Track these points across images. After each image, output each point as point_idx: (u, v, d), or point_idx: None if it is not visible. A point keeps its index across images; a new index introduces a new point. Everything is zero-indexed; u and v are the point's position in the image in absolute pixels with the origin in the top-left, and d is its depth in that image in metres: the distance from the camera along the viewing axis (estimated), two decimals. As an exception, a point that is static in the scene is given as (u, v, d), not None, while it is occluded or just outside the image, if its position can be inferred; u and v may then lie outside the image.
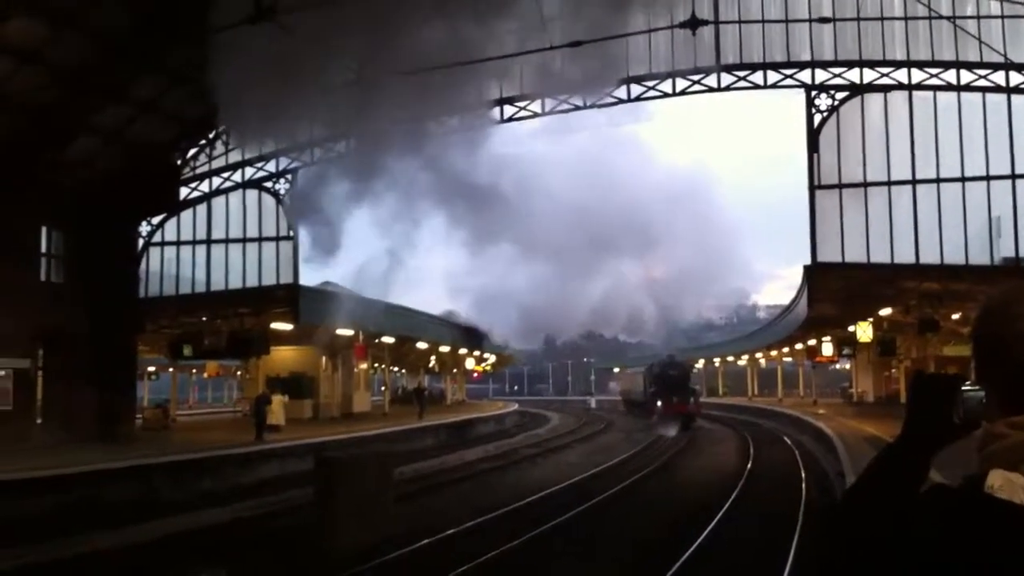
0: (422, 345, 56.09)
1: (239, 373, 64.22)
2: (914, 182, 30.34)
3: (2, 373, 29.36)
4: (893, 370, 57.06)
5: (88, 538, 16.89)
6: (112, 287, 33.01)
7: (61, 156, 29.47)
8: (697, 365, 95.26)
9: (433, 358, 64.40)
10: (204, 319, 37.86)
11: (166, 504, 21.07)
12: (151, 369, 61.93)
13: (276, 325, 37.25)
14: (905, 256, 30.17)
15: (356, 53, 24.31)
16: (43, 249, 32.64)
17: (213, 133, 34.72)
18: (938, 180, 30.20)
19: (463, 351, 66.84)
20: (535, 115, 33.53)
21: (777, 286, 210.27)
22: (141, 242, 36.16)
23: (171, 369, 53.73)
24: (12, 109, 26.44)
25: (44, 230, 32.58)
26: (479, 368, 77.66)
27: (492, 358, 79.98)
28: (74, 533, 17.20)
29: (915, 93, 30.44)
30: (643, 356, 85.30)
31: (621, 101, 32.59)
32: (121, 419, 33.37)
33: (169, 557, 15.66)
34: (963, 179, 30.00)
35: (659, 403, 53.32)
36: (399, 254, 42.31)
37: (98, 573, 14.41)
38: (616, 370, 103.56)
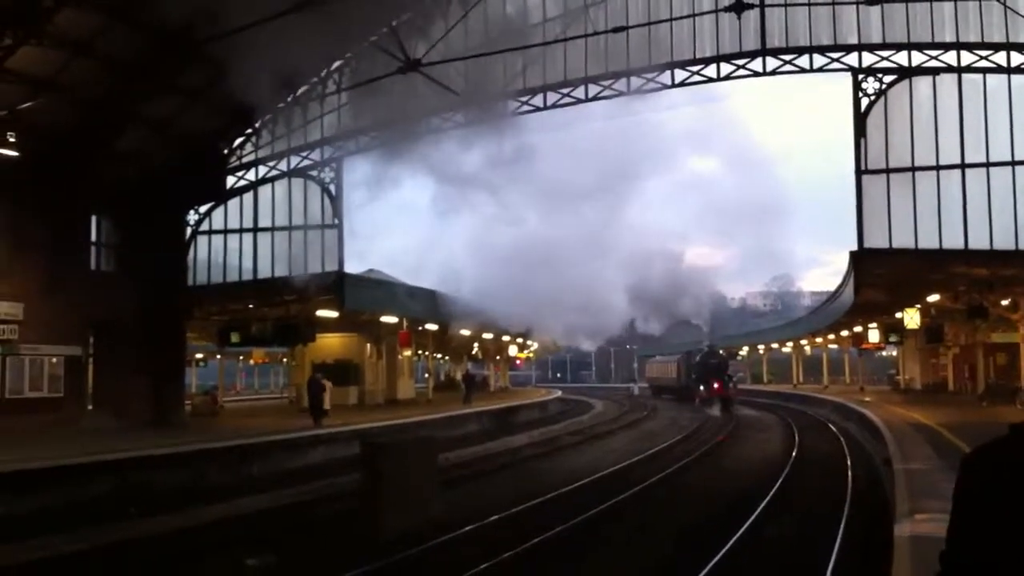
0: (465, 332, 56.28)
1: (285, 360, 64.91)
2: (963, 166, 29.92)
3: (54, 360, 29.97)
4: (941, 357, 56.38)
5: (140, 523, 17.22)
6: (161, 275, 33.51)
7: (111, 147, 29.95)
8: (741, 352, 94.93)
9: (476, 345, 64.60)
10: (251, 306, 38.26)
11: (216, 489, 21.39)
12: (199, 356, 62.69)
13: (321, 312, 37.57)
14: (954, 241, 29.77)
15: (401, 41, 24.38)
16: (93, 238, 33.23)
17: (260, 122, 35.07)
18: (988, 164, 29.75)
19: (506, 338, 66.97)
20: (579, 102, 33.45)
21: (822, 272, 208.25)
22: (189, 230, 36.63)
23: (219, 356, 54.45)
24: (64, 100, 26.85)
25: (94, 219, 33.16)
26: (522, 355, 77.72)
27: (535, 345, 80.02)
28: (126, 518, 17.54)
29: (964, 76, 29.97)
30: (683, 343, 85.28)
31: (665, 87, 32.42)
32: (170, 405, 33.93)
33: (220, 542, 15.90)
34: (1013, 163, 29.53)
35: (702, 387, 60.51)
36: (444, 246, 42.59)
37: (149, 558, 14.68)
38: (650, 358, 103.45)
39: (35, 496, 18.53)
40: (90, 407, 32.38)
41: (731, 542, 14.85)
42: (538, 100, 33.38)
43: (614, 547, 15.58)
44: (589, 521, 17.44)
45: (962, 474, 2.01)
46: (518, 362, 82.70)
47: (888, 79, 30.60)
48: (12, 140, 24.70)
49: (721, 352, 66.51)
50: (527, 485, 22.58)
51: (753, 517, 17.24)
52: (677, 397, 70.74)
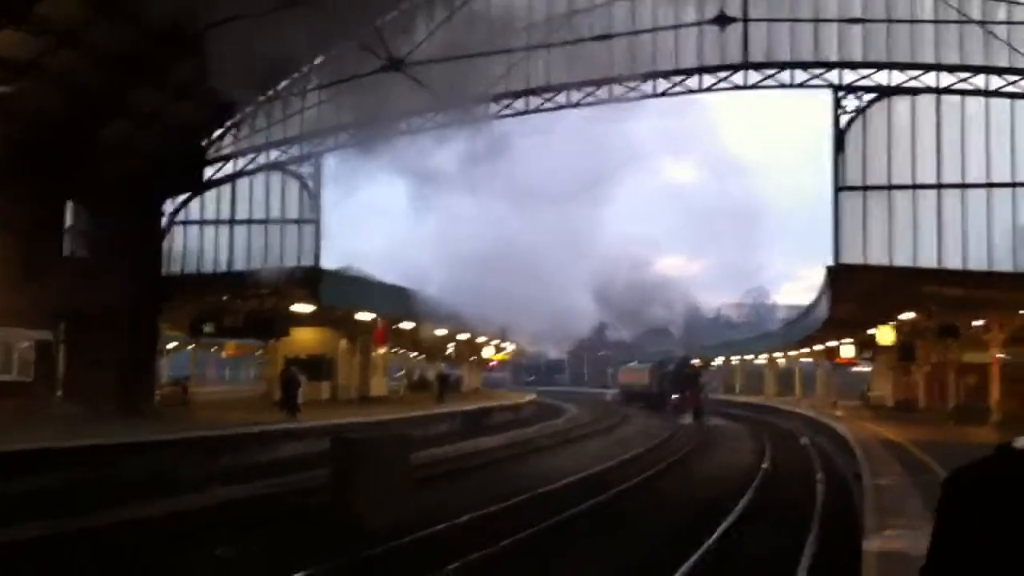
0: (440, 332, 56.25)
1: (258, 353, 64.59)
2: (939, 186, 30.25)
3: (25, 344, 29.70)
4: (912, 375, 56.81)
5: (104, 512, 17.10)
6: (136, 264, 33.29)
7: (90, 135, 29.74)
8: (715, 362, 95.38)
9: (451, 345, 64.58)
10: (225, 299, 38.10)
11: (185, 480, 21.27)
12: (171, 346, 62.30)
13: (296, 307, 37.45)
14: (928, 260, 30.09)
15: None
16: (68, 224, 32.97)
17: (240, 115, 34.95)
18: (963, 185, 30.10)
19: (481, 339, 66.99)
20: (560, 107, 33.54)
21: (797, 287, 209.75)
22: (165, 220, 36.43)
23: (191, 347, 54.12)
24: (44, 87, 26.66)
25: (70, 205, 32.91)
26: (497, 357, 77.76)
27: (510, 347, 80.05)
28: (91, 507, 17.41)
29: (943, 97, 30.31)
30: (658, 351, 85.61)
31: (647, 96, 32.57)
32: (140, 394, 33.69)
33: (186, 532, 15.83)
34: (989, 185, 29.88)
35: (674, 396, 61.48)
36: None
37: (116, 546, 14.57)
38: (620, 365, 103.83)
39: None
40: (59, 393, 32.13)
41: (701, 549, 14.92)
42: (520, 104, 33.44)
43: (584, 551, 15.61)
44: (561, 524, 17.46)
45: (945, 494, 2.02)
46: (492, 364, 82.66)
47: (868, 97, 30.90)
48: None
49: (695, 362, 67.57)
50: (500, 486, 22.57)
51: (723, 527, 17.32)
52: (648, 405, 71.00)
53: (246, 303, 37.32)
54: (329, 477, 18.41)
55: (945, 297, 34.01)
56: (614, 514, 19.60)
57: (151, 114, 31.33)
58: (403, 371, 65.00)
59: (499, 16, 32.10)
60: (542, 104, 33.47)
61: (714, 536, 15.94)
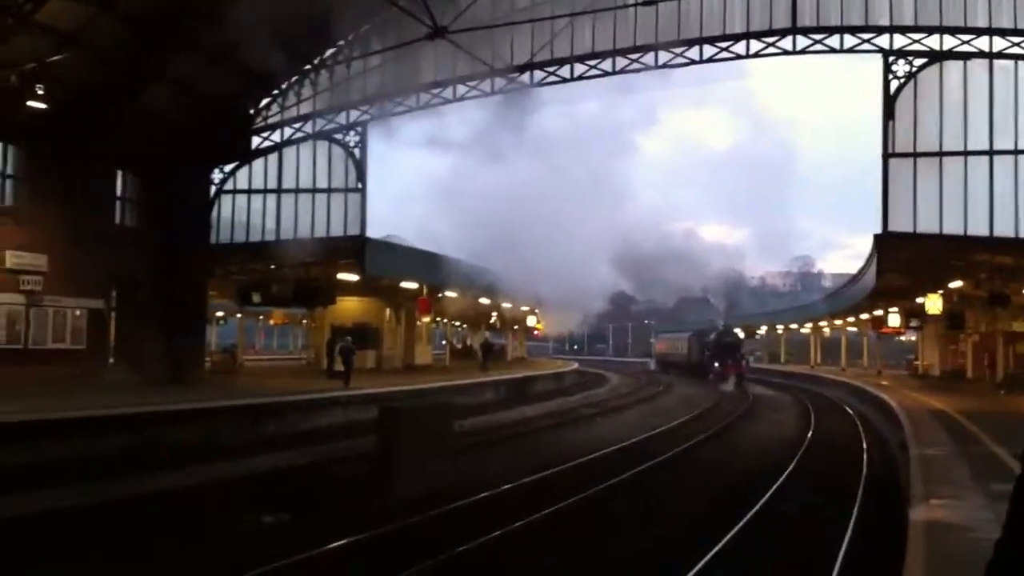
0: (484, 301, 56.38)
1: (304, 322, 65.23)
2: (992, 153, 29.68)
3: (77, 313, 30.21)
4: (960, 344, 56.14)
5: (158, 477, 17.48)
6: (184, 232, 33.68)
7: (137, 103, 30.03)
8: (759, 331, 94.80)
9: (495, 314, 64.72)
10: (272, 267, 38.45)
11: (235, 446, 21.64)
12: (219, 314, 63.09)
13: (342, 276, 37.72)
14: (979, 228, 29.59)
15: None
16: (118, 194, 33.42)
17: (286, 84, 35.12)
18: (1016, 151, 29.51)
19: (525, 308, 67.05)
20: (605, 74, 33.28)
21: (843, 254, 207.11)
22: (213, 189, 36.77)
23: (239, 315, 54.76)
24: (91, 55, 26.93)
25: (119, 175, 33.34)
26: (540, 326, 77.79)
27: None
28: (145, 472, 17.80)
29: (996, 61, 29.68)
30: (698, 320, 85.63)
31: (693, 62, 32.21)
32: (190, 362, 34.18)
33: (237, 499, 16.12)
34: (1042, 151, 29.29)
35: (716, 364, 63.04)
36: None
37: (169, 512, 14.89)
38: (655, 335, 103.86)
39: (56, 445, 18.72)
40: (111, 361, 32.70)
41: (747, 517, 14.98)
42: (564, 71, 33.23)
43: (626, 522, 15.68)
44: (603, 494, 17.56)
45: None
46: (536, 332, 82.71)
47: (919, 62, 30.32)
48: (40, 92, 24.79)
49: (736, 331, 68.86)
50: (542, 456, 22.69)
51: (768, 495, 17.36)
52: (686, 372, 71.91)
53: (293, 271, 37.63)
54: (374, 445, 18.63)
55: (995, 265, 33.48)
56: (654, 485, 19.66)
57: (197, 83, 31.53)
58: (446, 339, 65.29)
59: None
60: (587, 71, 33.24)
61: (754, 510, 15.93)
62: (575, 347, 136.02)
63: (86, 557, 12.16)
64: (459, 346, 73.71)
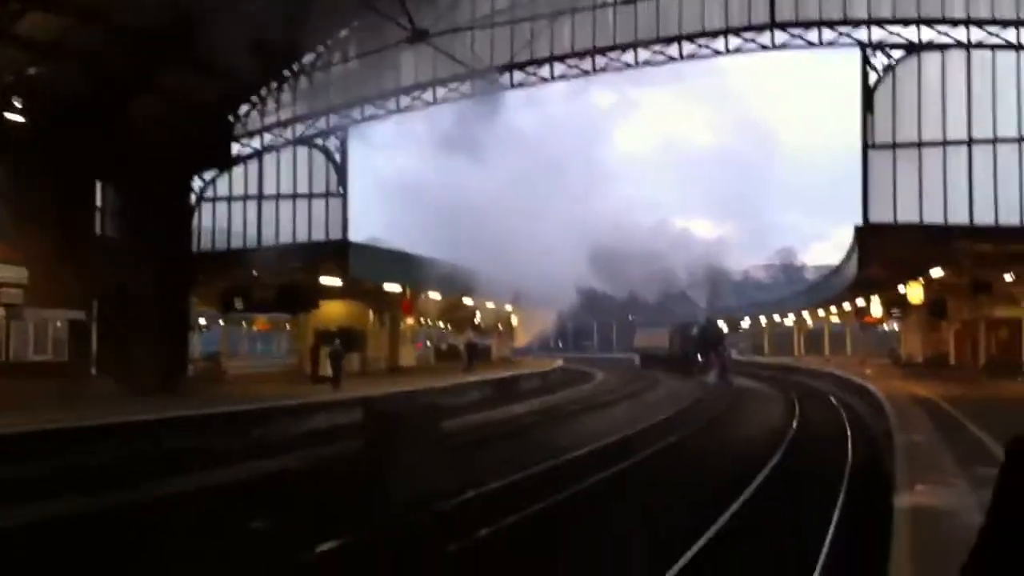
0: (467, 302, 56.43)
1: (288, 327, 65.04)
2: (970, 142, 29.96)
3: (59, 324, 30.07)
4: (942, 332, 56.51)
5: (145, 486, 17.44)
6: (166, 241, 33.61)
7: (117, 114, 29.93)
8: (743, 324, 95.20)
9: (479, 314, 64.78)
10: (255, 274, 38.41)
11: (222, 453, 21.61)
12: (202, 322, 62.86)
13: (325, 280, 37.69)
14: (959, 217, 29.86)
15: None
16: (98, 204, 33.29)
17: (266, 90, 35.09)
18: (995, 140, 29.79)
19: (509, 308, 67.15)
20: (585, 73, 33.41)
21: (825, 246, 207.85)
22: (194, 197, 36.71)
23: (222, 322, 54.60)
24: (70, 67, 26.85)
25: (99, 185, 33.21)
26: (517, 327, 77.89)
27: (537, 315, 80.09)
28: (131, 482, 17.76)
29: (973, 52, 29.93)
30: (682, 315, 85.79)
31: (672, 60, 32.36)
32: (174, 370, 34.09)
33: (224, 505, 16.12)
34: (1021, 139, 29.57)
35: (699, 356, 65.82)
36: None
37: (156, 520, 14.87)
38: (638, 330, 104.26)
39: (42, 461, 18.68)
40: (94, 372, 32.59)
41: (734, 505, 15.11)
42: (544, 71, 33.35)
43: (616, 518, 15.75)
44: (588, 490, 17.63)
45: (1008, 462, 1.83)
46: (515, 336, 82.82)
47: (897, 54, 30.57)
48: (19, 106, 24.73)
49: (718, 323, 71.35)
50: (529, 454, 22.74)
51: (755, 484, 17.49)
52: (667, 367, 72.41)
53: (276, 277, 37.61)
54: (362, 448, 18.64)
55: (976, 253, 33.76)
56: (642, 480, 19.74)
57: (176, 91, 31.46)
58: (430, 341, 65.45)
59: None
60: (566, 71, 33.35)
61: (739, 500, 16.04)
62: (560, 344, 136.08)
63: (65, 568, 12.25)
64: (444, 348, 73.76)
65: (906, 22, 30.35)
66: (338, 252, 35.34)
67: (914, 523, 9.58)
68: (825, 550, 12.16)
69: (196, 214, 36.85)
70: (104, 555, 12.76)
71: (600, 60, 32.91)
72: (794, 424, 29.74)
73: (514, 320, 72.75)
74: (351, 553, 12.67)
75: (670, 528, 14.53)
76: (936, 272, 36.55)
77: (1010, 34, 29.52)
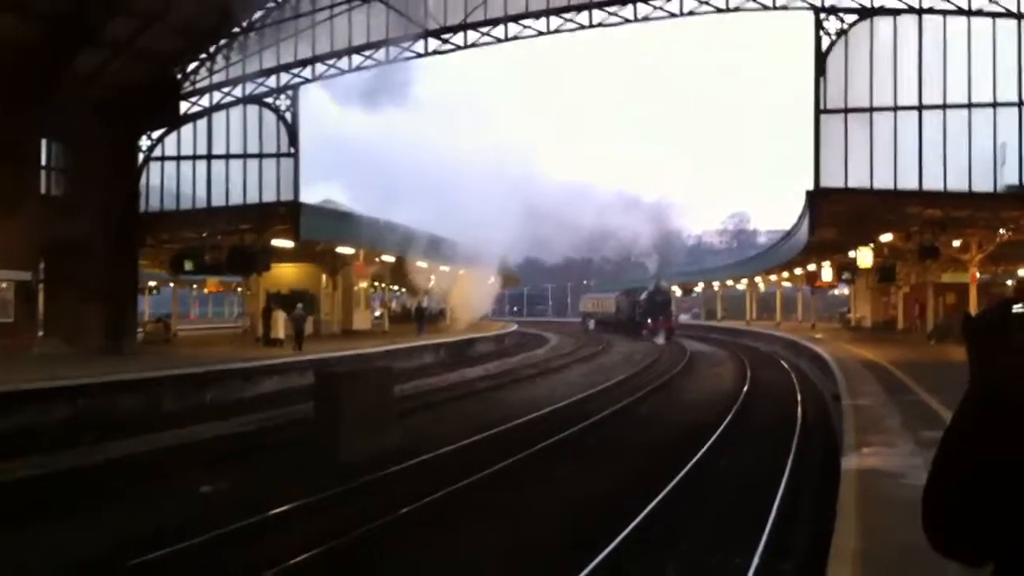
0: (421, 264, 56.15)
1: (239, 289, 64.44)
2: (920, 108, 30.15)
3: (3, 285, 29.46)
4: (892, 296, 57.31)
5: (96, 449, 17.22)
6: (113, 201, 32.99)
7: (63, 68, 29.18)
8: (696, 289, 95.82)
9: (433, 277, 64.50)
10: (205, 235, 37.87)
11: (171, 416, 21.39)
12: (152, 284, 62.06)
13: (277, 242, 37.24)
14: (909, 182, 30.10)
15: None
16: (43, 162, 32.55)
17: (215, 47, 34.41)
18: (944, 106, 30.00)
19: (463, 272, 66.91)
20: (539, 34, 33.15)
21: (778, 209, 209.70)
22: (141, 156, 36.02)
23: (172, 284, 53.92)
24: (15, 18, 26.12)
25: (44, 142, 32.45)
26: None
27: (492, 280, 79.90)
28: (81, 444, 17.53)
29: (925, 17, 30.07)
30: (635, 279, 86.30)
31: (627, 21, 32.19)
32: (123, 333, 33.61)
33: (175, 467, 15.96)
34: (969, 105, 29.81)
35: (649, 320, 67.45)
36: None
37: (107, 482, 14.69)
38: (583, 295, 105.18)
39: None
40: (41, 333, 32.05)
41: (688, 465, 15.26)
42: (499, 31, 33.03)
43: (565, 479, 15.80)
44: (544, 451, 17.68)
45: (973, 338, 1.52)
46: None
47: (850, 19, 30.61)
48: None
49: (669, 288, 73.59)
50: (482, 417, 22.78)
51: (708, 444, 17.68)
52: (614, 329, 76.01)
53: (227, 239, 37.10)
54: (314, 411, 18.52)
55: (925, 218, 34.13)
56: (595, 440, 19.83)
57: (123, 44, 30.67)
58: (383, 304, 65.19)
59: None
60: (521, 31, 33.07)
61: (694, 459, 16.19)
62: (515, 308, 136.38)
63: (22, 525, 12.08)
64: (398, 310, 73.42)
65: (860, -14, 30.41)
66: (290, 213, 34.88)
67: (860, 483, 9.69)
68: (774, 509, 12.30)
69: (145, 173, 36.17)
70: (48, 518, 12.57)
71: (555, 20, 32.66)
72: (745, 388, 30.02)
73: (468, 284, 72.45)
74: (300, 515, 12.59)
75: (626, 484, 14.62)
76: (886, 237, 36.93)
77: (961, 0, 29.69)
